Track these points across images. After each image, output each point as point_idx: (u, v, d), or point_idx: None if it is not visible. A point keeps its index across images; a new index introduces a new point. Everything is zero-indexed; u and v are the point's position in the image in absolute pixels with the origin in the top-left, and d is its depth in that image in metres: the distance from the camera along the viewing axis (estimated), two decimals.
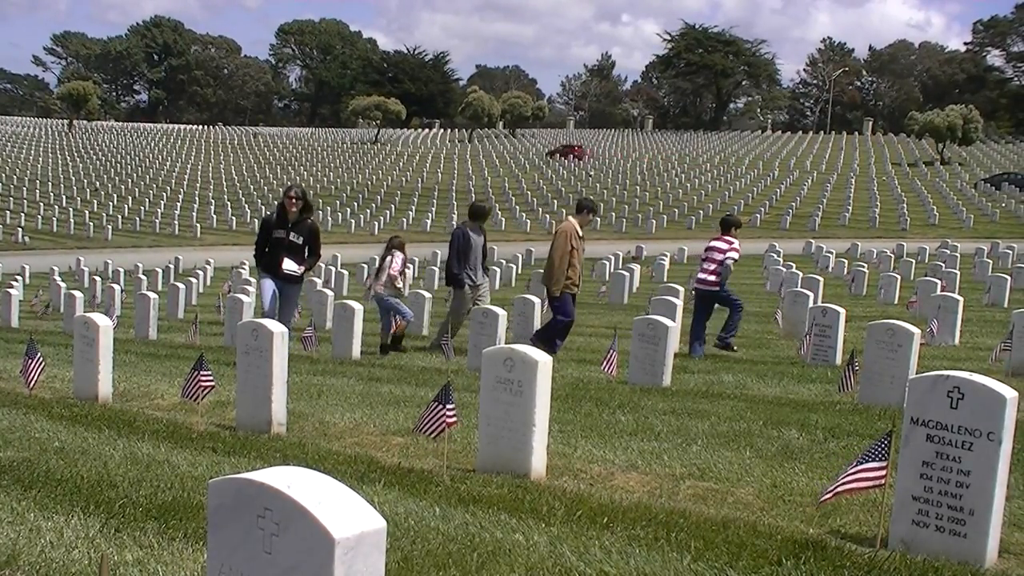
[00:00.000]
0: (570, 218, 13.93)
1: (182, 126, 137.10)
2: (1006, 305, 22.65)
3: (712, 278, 14.47)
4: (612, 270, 33.09)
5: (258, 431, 7.58)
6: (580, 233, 13.63)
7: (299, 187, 13.40)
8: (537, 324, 14.71)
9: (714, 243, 14.69)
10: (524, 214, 68.37)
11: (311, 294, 21.55)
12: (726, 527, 5.04)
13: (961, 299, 16.35)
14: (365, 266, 38.34)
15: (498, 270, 33.34)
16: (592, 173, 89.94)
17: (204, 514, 4.14)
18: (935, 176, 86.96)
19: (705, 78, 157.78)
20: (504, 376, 6.08)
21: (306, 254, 13.13)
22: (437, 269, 35.11)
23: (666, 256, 39.39)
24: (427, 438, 6.27)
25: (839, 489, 4.76)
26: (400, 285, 15.26)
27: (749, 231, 58.54)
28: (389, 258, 15.19)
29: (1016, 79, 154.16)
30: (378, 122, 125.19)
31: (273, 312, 12.69)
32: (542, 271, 14.48)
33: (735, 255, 14.51)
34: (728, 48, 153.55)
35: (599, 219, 64.73)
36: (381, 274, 15.21)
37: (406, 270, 15.92)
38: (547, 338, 13.53)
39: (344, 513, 2.50)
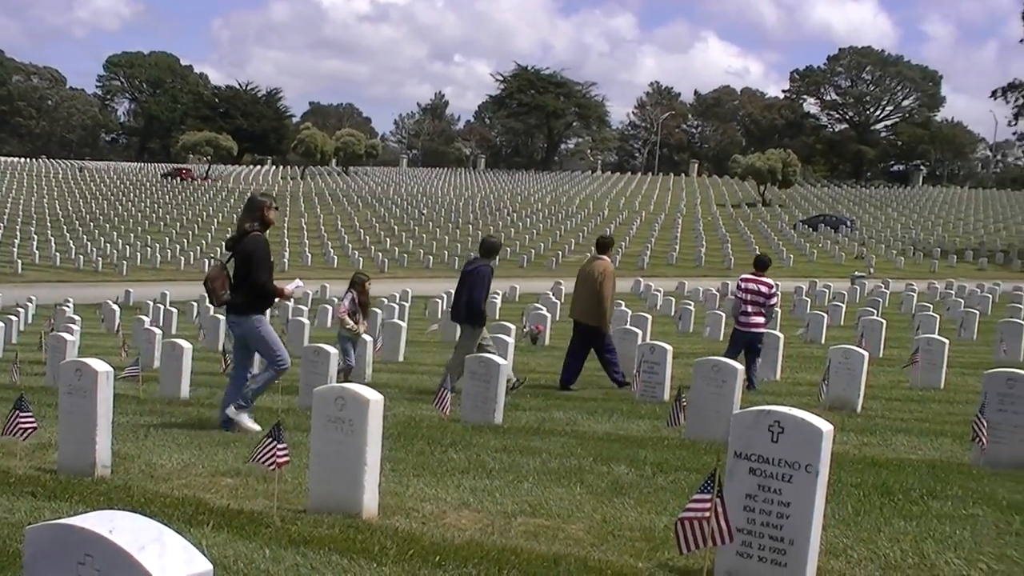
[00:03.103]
0: (605, 258, 14.62)
1: (3, 158, 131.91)
2: (823, 341, 23.49)
3: (763, 320, 14.77)
4: (444, 308, 33.11)
5: (81, 474, 7.34)
6: None
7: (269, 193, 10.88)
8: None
9: (756, 286, 14.71)
10: (356, 251, 68.05)
11: (139, 332, 21.01)
12: (557, 563, 5.10)
13: (782, 336, 16.91)
14: (195, 304, 37.58)
15: (329, 308, 33.05)
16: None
17: (21, 563, 4.00)
18: (757, 217, 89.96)
19: (537, 119, 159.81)
20: (335, 415, 6.03)
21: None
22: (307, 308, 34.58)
23: (498, 294, 39.62)
24: (265, 469, 6.15)
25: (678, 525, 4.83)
26: (351, 326, 14.94)
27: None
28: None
29: (830, 126, 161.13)
30: (209, 158, 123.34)
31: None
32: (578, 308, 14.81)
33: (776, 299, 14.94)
34: (559, 89, 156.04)
35: (431, 257, 64.94)
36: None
37: (359, 310, 15.38)
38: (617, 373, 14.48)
39: (169, 557, 2.46)
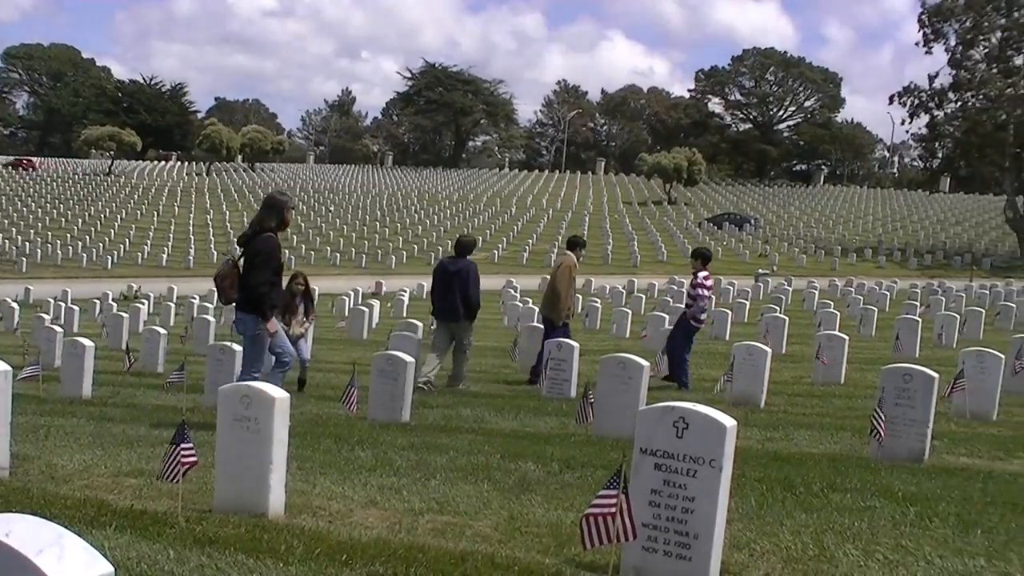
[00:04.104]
0: (568, 254, 14.91)
1: None
2: (727, 338, 23.81)
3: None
4: (352, 305, 32.94)
5: None
6: (577, 267, 14.82)
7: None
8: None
9: (709, 281, 14.78)
10: None
11: (39, 330, 20.55)
12: (465, 560, 5.11)
13: None
14: (97, 301, 36.90)
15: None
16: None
17: None
18: (663, 215, 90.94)
19: (445, 116, 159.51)
20: (241, 413, 5.98)
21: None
22: (212, 305, 34.07)
23: (406, 292, 39.55)
24: (171, 483, 6.06)
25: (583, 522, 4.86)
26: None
27: (487, 267, 59.49)
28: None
29: (734, 125, 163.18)
30: (112, 153, 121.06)
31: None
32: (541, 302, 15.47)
33: None
34: (467, 87, 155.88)
35: (339, 255, 64.54)
36: None
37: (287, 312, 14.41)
38: (535, 374, 14.66)
39: (69, 561, 2.42)
